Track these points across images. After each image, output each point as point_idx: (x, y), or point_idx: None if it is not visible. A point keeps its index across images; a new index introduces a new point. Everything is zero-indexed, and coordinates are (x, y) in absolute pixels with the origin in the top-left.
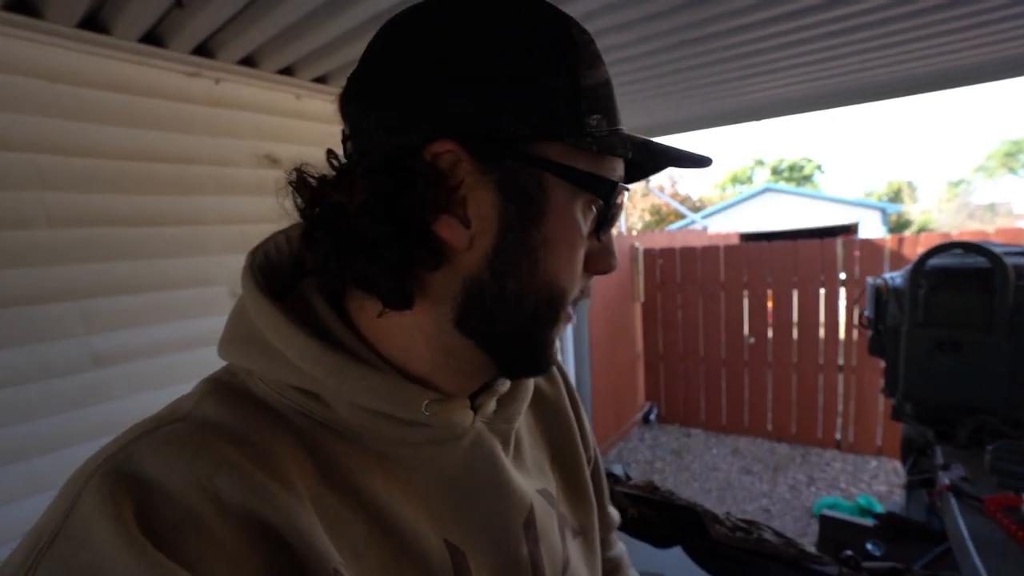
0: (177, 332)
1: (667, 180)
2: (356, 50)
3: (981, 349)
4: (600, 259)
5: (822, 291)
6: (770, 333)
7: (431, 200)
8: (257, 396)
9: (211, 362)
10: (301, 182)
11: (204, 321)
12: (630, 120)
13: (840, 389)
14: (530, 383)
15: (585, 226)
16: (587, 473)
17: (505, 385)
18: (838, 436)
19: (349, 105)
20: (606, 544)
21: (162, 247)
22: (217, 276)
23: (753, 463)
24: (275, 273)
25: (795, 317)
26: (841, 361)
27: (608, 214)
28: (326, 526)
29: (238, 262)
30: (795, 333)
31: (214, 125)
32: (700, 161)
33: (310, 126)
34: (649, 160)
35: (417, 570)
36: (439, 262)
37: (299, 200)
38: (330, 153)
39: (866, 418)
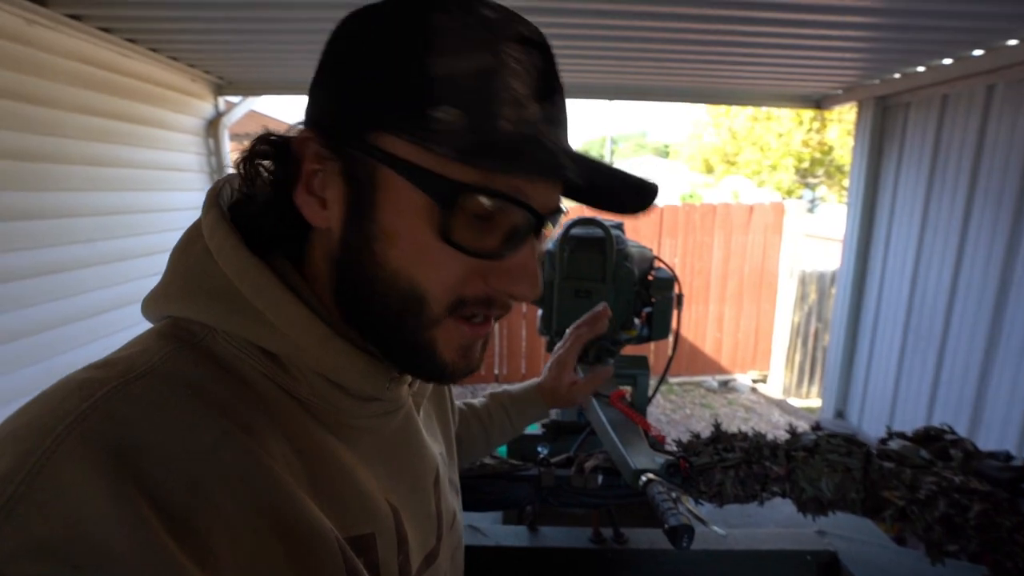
0: None
1: None
2: None
3: (599, 295)
4: (505, 278)
5: None
6: None
7: (289, 177)
8: (222, 358)
9: None
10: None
11: None
12: None
13: (496, 332)
14: None
15: (431, 224)
16: (453, 433)
17: None
18: (496, 371)
19: None
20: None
21: None
22: None
23: None
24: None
25: None
26: None
27: (449, 218)
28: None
29: None
30: None
31: None
32: (635, 191)
33: None
34: (520, 168)
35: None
36: (301, 224)
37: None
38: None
39: (514, 353)
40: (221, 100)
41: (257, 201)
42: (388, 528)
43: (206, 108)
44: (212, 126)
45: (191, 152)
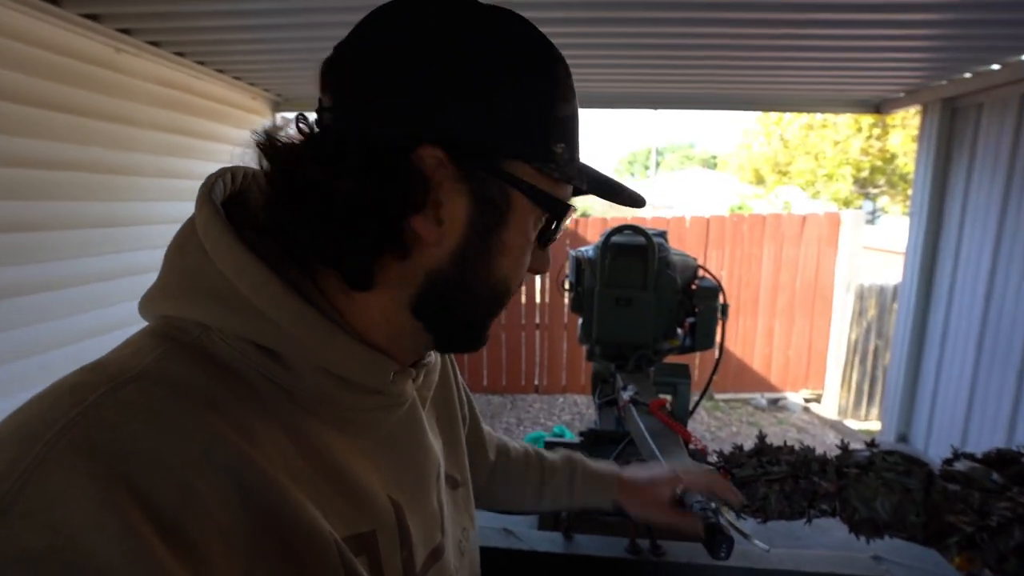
0: None
1: None
2: None
3: (640, 302)
4: (537, 260)
5: None
6: None
7: (411, 198)
8: (218, 357)
9: None
10: (270, 145)
11: None
12: None
13: (537, 344)
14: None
15: (533, 235)
16: (462, 431)
17: (431, 356)
18: (536, 382)
19: (334, 76)
20: (490, 444)
21: None
22: None
23: None
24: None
25: None
26: (538, 320)
27: (556, 229)
28: (305, 497)
29: None
30: None
31: None
32: (634, 200)
33: None
34: (594, 191)
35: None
36: (407, 253)
37: (265, 162)
38: (300, 118)
39: (555, 365)
40: (278, 116)
41: (310, 211)
42: (389, 524)
43: (264, 123)
44: None
45: (249, 165)
